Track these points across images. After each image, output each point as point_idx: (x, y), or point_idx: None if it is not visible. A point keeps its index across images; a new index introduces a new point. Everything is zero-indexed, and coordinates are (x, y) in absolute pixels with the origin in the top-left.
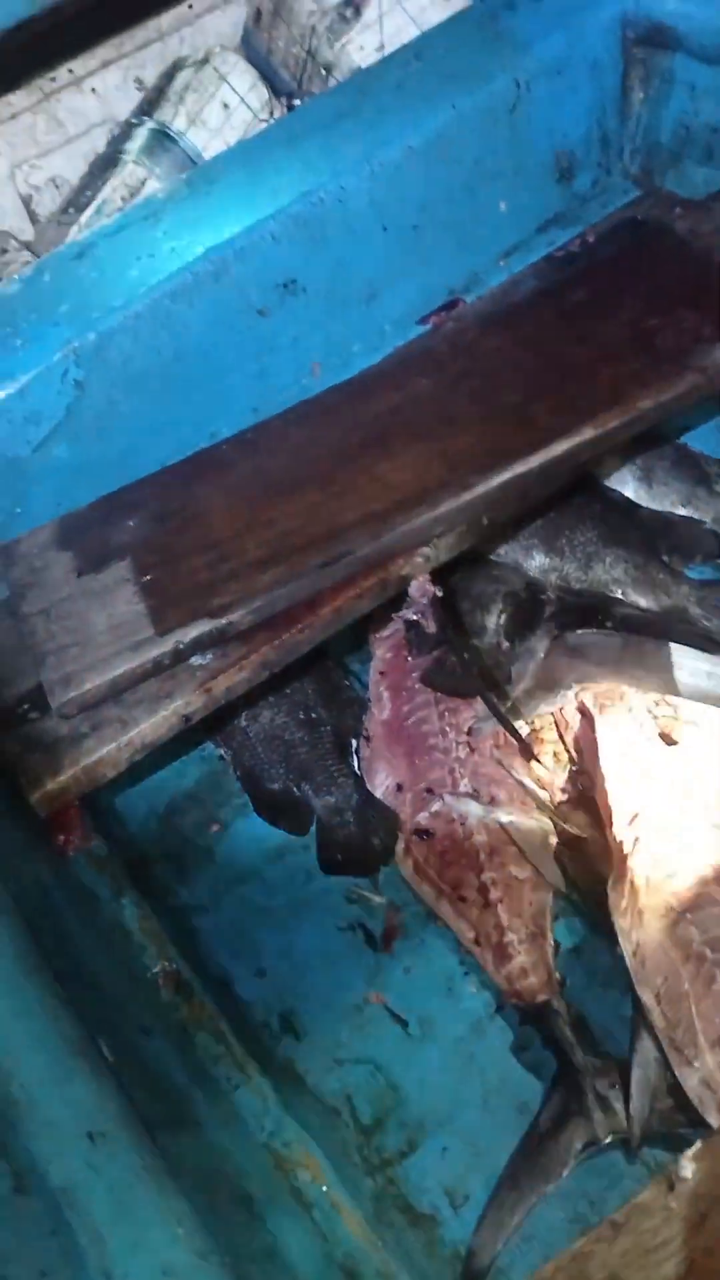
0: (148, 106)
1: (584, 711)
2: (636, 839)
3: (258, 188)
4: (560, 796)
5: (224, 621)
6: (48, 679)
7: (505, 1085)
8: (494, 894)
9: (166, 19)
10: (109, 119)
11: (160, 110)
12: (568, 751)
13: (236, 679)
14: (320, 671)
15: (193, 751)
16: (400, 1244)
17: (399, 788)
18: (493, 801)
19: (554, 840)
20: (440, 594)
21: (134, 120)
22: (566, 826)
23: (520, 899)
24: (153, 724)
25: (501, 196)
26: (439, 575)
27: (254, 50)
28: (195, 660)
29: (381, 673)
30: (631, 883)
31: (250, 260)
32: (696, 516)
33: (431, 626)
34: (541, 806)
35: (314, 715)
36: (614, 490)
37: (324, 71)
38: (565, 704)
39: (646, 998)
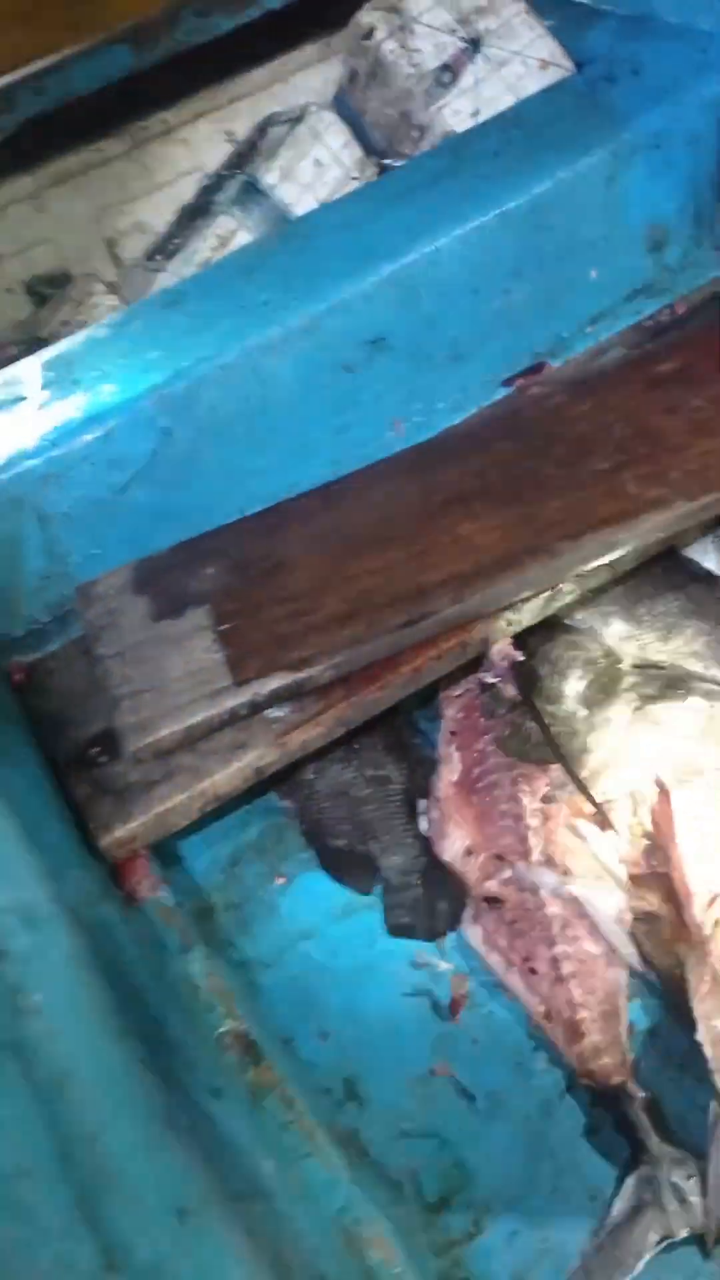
0: (238, 159)
1: (661, 785)
2: (717, 922)
3: (353, 246)
4: (635, 871)
5: (303, 675)
6: (122, 723)
7: (576, 1169)
8: (566, 968)
9: (259, 74)
10: (197, 169)
11: (252, 164)
12: (642, 825)
13: (312, 734)
14: (389, 728)
15: (257, 801)
16: None
17: (468, 852)
18: (566, 873)
19: (629, 917)
20: (521, 658)
21: (225, 172)
22: (642, 903)
23: (594, 975)
24: (226, 775)
25: (592, 264)
26: (517, 639)
27: (347, 109)
28: (271, 713)
29: (453, 732)
30: (713, 969)
31: (342, 317)
32: None
33: (510, 690)
34: (617, 881)
35: (382, 772)
36: (694, 561)
37: (417, 134)
38: (643, 776)
39: None
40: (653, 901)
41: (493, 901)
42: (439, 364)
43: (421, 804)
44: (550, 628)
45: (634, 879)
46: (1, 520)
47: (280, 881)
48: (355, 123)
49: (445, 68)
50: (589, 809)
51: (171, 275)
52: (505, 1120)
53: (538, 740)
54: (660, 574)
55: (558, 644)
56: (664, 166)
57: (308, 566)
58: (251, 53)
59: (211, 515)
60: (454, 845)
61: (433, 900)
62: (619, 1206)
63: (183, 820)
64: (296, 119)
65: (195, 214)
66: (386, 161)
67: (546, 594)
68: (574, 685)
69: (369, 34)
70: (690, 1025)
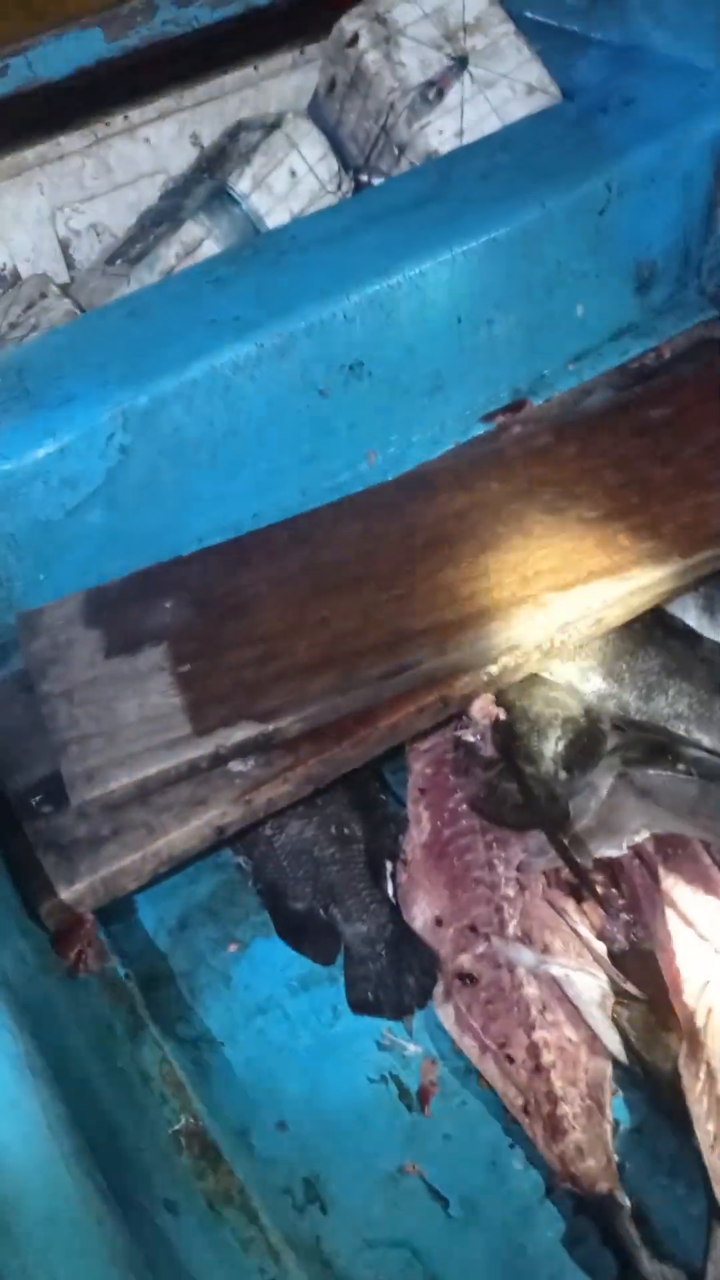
0: (205, 164)
1: (645, 858)
2: (710, 1010)
3: (333, 263)
4: (617, 948)
5: (270, 728)
6: (69, 771)
7: None
8: (545, 1057)
9: (230, 78)
10: (160, 170)
11: (221, 169)
12: (625, 900)
13: (279, 791)
14: (354, 781)
15: (207, 855)
16: None
17: (438, 921)
18: (545, 949)
19: (611, 1001)
20: (502, 716)
21: (194, 176)
22: (626, 986)
23: (575, 1065)
24: (183, 834)
25: (579, 299)
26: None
27: (322, 119)
28: (234, 766)
29: (421, 790)
30: (708, 1064)
31: (319, 337)
32: None
33: (488, 749)
34: (598, 960)
35: (346, 831)
36: (675, 617)
37: (396, 151)
38: (627, 847)
39: None
40: (637, 984)
41: (466, 978)
42: (417, 394)
43: (389, 867)
44: (525, 681)
45: (616, 959)
46: None
47: (233, 949)
48: (329, 134)
49: (431, 84)
50: (569, 879)
51: (134, 282)
52: (481, 1229)
53: (514, 803)
54: (640, 629)
55: (535, 700)
56: (658, 201)
57: (276, 606)
58: (221, 55)
59: (170, 543)
60: (423, 913)
61: (400, 974)
62: None
63: (134, 883)
64: (271, 125)
65: (159, 218)
66: (363, 178)
67: (533, 648)
68: (553, 745)
69: (353, 41)
70: (682, 1125)
